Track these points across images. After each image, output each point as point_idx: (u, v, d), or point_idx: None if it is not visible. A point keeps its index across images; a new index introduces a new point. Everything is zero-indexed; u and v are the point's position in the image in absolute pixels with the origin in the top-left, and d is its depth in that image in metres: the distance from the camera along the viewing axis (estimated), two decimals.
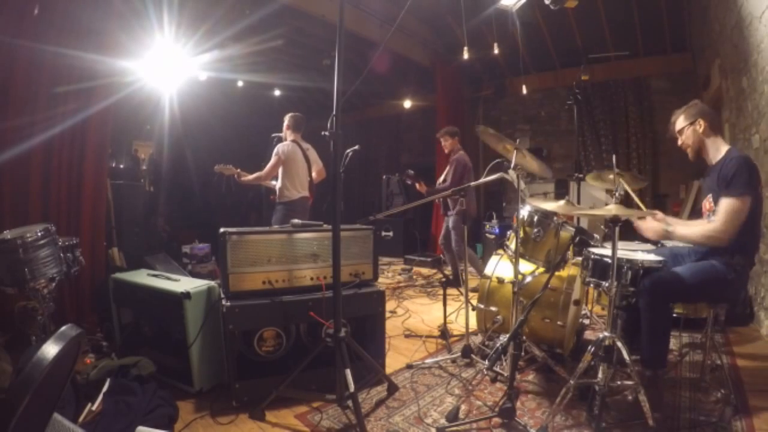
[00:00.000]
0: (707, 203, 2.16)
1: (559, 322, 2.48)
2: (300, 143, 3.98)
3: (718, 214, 1.96)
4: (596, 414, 1.75)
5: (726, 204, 1.94)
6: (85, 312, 3.14)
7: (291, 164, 3.85)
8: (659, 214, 2.20)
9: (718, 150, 2.13)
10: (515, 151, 2.34)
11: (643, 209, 2.26)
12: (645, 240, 2.53)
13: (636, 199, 2.33)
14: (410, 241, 7.08)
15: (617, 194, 2.31)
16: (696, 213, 2.41)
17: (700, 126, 2.13)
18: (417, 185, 4.46)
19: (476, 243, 6.20)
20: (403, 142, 9.16)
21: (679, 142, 2.24)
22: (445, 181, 4.41)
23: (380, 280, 2.71)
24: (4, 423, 0.75)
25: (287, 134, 3.99)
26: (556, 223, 2.37)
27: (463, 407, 2.06)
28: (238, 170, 3.95)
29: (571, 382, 1.86)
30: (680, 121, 2.21)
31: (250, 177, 3.93)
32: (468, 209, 4.17)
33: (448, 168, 4.42)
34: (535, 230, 2.37)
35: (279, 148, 3.84)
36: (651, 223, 2.14)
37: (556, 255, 2.34)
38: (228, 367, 2.12)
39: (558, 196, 5.54)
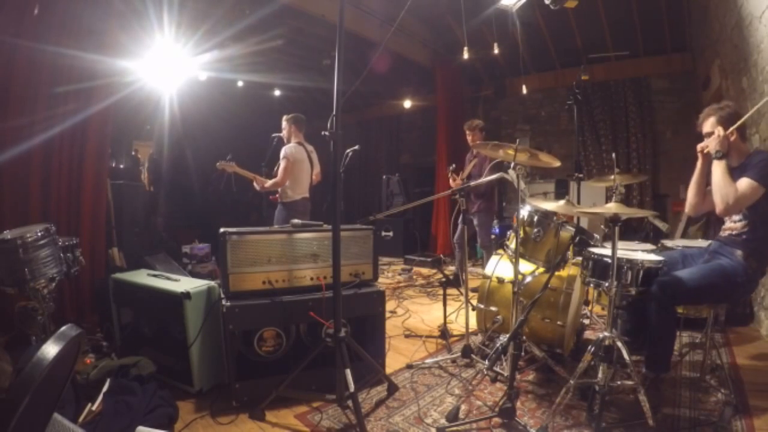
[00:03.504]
0: None
1: (559, 322, 2.48)
2: (305, 145, 3.98)
3: (741, 187, 1.91)
4: (596, 414, 1.75)
5: (741, 184, 1.91)
6: (85, 312, 3.14)
7: (297, 166, 3.87)
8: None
9: (742, 154, 2.06)
10: (516, 153, 2.34)
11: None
12: (646, 240, 2.53)
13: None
14: (410, 241, 7.08)
15: (617, 193, 2.31)
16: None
17: (733, 135, 2.02)
18: (452, 181, 4.21)
19: (477, 242, 6.19)
20: (403, 142, 9.16)
21: (704, 143, 2.13)
22: (472, 176, 4.26)
23: (380, 280, 2.71)
24: (4, 423, 0.75)
25: (290, 136, 3.97)
26: (556, 223, 2.37)
27: (463, 407, 2.06)
28: (249, 173, 3.93)
29: (571, 382, 1.86)
30: (710, 124, 2.09)
31: (269, 183, 3.91)
32: (494, 207, 4.28)
33: (475, 161, 4.28)
34: (535, 230, 2.37)
35: (286, 150, 3.83)
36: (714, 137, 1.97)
37: (556, 255, 2.34)
38: (228, 367, 2.11)
39: (558, 196, 5.54)
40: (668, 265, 2.13)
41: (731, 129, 2.00)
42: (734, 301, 2.14)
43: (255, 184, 3.98)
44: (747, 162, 2.01)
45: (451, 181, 4.14)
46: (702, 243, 2.49)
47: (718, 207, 1.96)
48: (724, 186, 1.93)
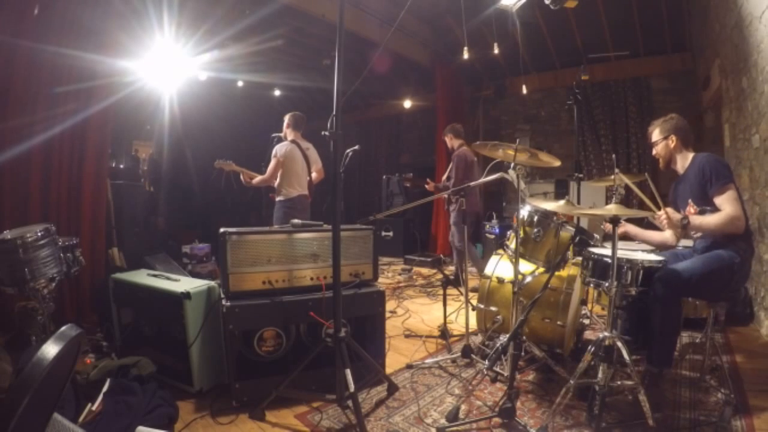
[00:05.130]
0: (691, 209, 2.23)
1: (559, 322, 2.48)
2: (299, 143, 4.00)
3: (724, 206, 2.04)
4: (596, 414, 1.75)
5: (723, 197, 2.05)
6: (85, 312, 3.14)
7: (289, 164, 3.89)
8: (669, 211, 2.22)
9: (686, 161, 2.33)
10: (516, 152, 2.34)
11: (651, 206, 2.27)
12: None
13: (640, 195, 2.33)
14: (410, 241, 7.08)
15: (617, 194, 2.31)
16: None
17: (672, 142, 2.33)
18: (426, 185, 4.56)
19: (476, 242, 6.20)
20: (403, 142, 9.15)
21: (653, 152, 2.44)
22: (449, 178, 4.44)
23: (380, 280, 2.71)
24: (4, 423, 0.75)
25: (287, 133, 4.02)
26: (556, 223, 2.37)
27: (463, 407, 2.06)
28: (243, 170, 3.99)
29: (571, 382, 1.86)
30: (655, 134, 2.40)
31: (256, 180, 3.98)
32: (467, 207, 4.19)
33: (450, 164, 4.45)
34: (535, 230, 2.37)
35: (277, 149, 3.88)
36: (668, 214, 2.16)
37: (556, 255, 2.34)
38: (228, 367, 2.11)
39: (558, 196, 5.54)
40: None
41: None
42: (735, 286, 2.17)
43: (242, 177, 4.02)
44: (695, 173, 2.18)
45: (427, 186, 4.45)
46: None
47: (738, 231, 2.05)
48: (718, 223, 2.04)
